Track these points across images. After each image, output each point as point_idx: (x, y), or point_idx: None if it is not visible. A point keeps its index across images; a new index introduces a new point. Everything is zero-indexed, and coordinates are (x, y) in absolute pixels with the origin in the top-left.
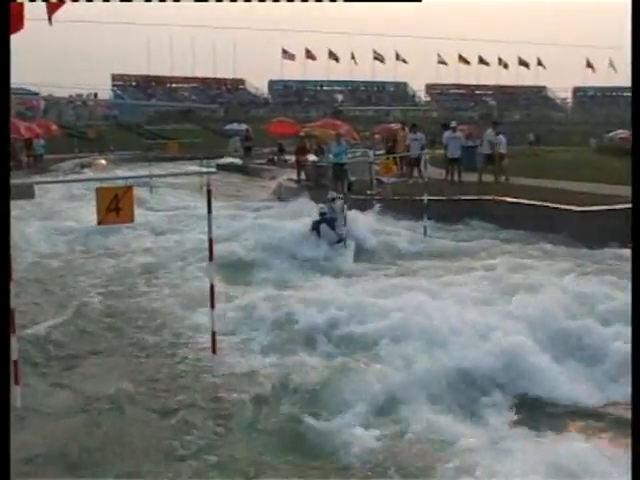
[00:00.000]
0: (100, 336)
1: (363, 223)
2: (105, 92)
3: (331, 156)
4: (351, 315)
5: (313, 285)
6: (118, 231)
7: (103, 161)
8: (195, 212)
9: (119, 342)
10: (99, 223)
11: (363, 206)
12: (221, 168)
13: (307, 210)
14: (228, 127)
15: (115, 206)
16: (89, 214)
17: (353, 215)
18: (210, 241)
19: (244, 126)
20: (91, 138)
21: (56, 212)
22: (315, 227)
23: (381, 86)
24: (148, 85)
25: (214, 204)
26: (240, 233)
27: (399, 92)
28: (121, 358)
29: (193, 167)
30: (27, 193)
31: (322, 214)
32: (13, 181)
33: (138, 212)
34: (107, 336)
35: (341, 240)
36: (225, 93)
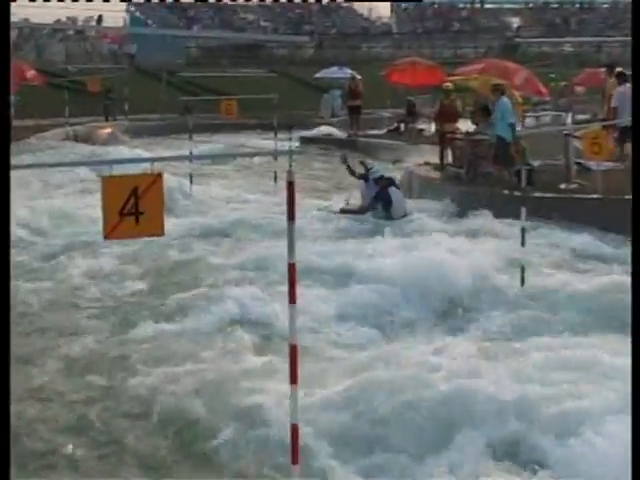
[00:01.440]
0: None
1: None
2: (115, 16)
3: (503, 123)
4: None
5: None
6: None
7: (109, 129)
8: (265, 221)
9: None
10: (106, 237)
11: (551, 213)
12: (309, 143)
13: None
14: (322, 74)
15: (134, 208)
16: (85, 221)
17: None
18: (291, 269)
19: (348, 72)
20: (92, 92)
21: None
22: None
23: (586, 2)
24: (187, 4)
25: (299, 207)
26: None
27: (616, 12)
28: None
29: (262, 142)
30: None
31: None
32: None
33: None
34: None
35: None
36: (317, 17)
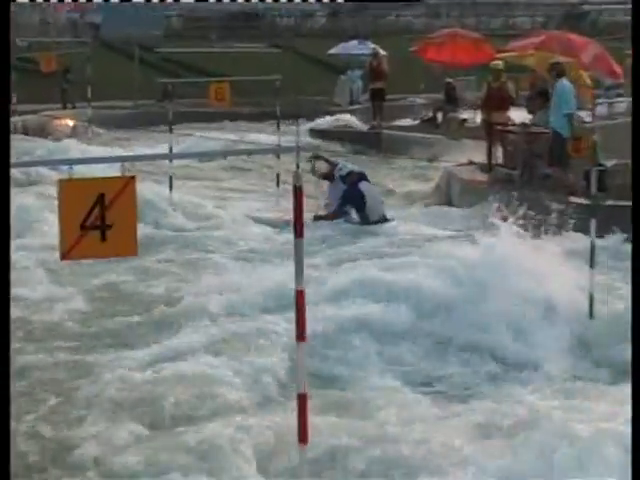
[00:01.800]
0: None
1: None
2: None
3: (558, 113)
4: None
5: None
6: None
7: (67, 120)
8: (264, 244)
9: None
10: (63, 256)
11: (628, 226)
12: (321, 137)
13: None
14: (337, 49)
15: (99, 220)
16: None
17: None
18: (299, 297)
19: (369, 47)
20: (45, 72)
21: None
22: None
23: None
24: None
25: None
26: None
27: None
28: None
29: (261, 136)
30: None
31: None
32: None
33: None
34: None
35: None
36: None
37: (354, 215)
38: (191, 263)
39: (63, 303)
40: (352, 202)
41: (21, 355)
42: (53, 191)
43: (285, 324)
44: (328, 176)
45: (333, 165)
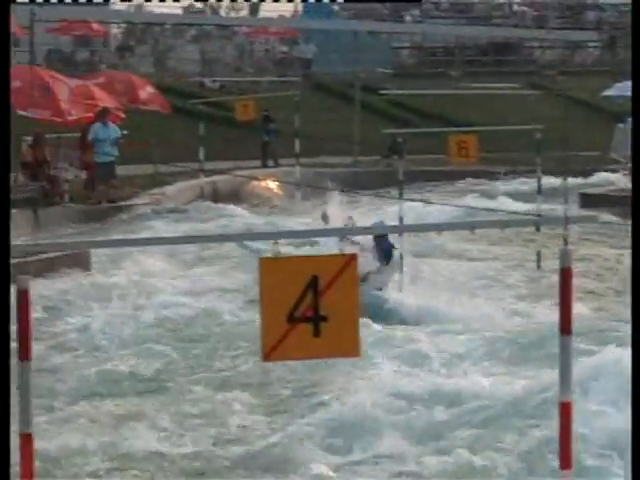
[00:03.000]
0: None
1: None
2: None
3: None
4: None
5: None
6: None
7: (271, 183)
8: None
9: None
10: (266, 356)
11: None
12: (594, 204)
13: None
14: (614, 91)
15: (311, 310)
16: None
17: None
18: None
19: None
20: (242, 121)
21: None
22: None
23: None
24: None
25: None
26: None
27: None
28: None
29: (516, 204)
30: (76, 260)
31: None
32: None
33: None
34: None
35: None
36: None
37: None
38: None
39: None
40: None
41: None
42: None
43: None
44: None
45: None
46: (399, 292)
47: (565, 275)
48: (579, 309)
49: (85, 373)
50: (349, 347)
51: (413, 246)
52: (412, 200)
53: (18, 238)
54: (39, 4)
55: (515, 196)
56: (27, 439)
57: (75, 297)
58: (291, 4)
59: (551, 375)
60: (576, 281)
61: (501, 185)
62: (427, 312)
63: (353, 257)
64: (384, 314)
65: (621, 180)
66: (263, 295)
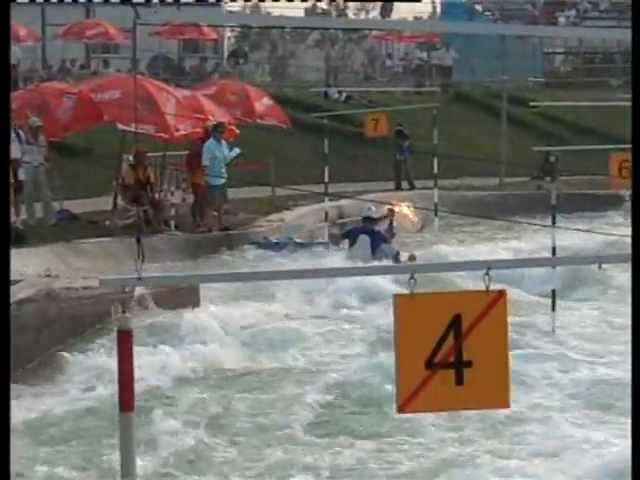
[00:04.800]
0: None
1: None
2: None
3: None
4: None
5: None
6: None
7: (405, 208)
8: None
9: None
10: (401, 408)
11: None
12: None
13: None
14: None
15: (453, 353)
16: None
17: None
18: None
19: None
20: (372, 137)
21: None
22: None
23: None
24: None
25: None
26: None
27: None
28: None
29: None
30: (185, 298)
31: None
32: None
33: None
34: None
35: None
36: None
37: None
38: None
39: None
40: None
41: None
42: None
43: None
44: None
45: None
46: None
47: None
48: None
49: None
50: (498, 397)
51: None
52: (566, 228)
53: (119, 270)
54: (141, 4)
55: None
56: None
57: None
58: (429, 4)
59: None
60: None
61: None
62: None
63: (501, 293)
64: None
65: None
66: (398, 337)
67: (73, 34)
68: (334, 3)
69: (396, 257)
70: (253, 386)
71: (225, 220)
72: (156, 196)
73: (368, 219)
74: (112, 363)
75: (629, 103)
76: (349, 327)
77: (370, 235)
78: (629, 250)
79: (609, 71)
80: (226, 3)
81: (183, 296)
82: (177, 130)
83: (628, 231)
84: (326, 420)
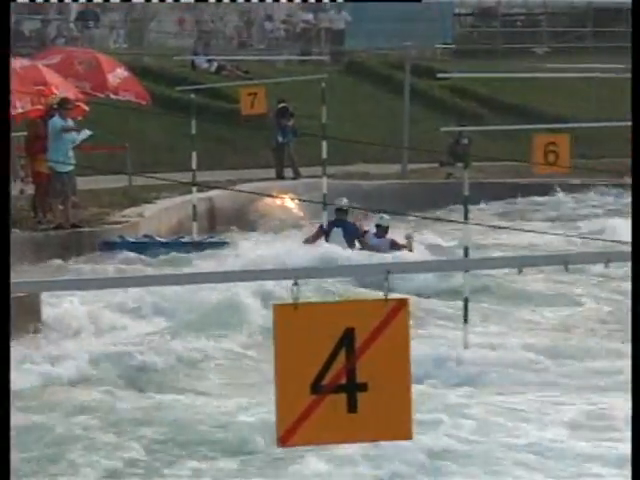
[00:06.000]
0: None
1: None
2: None
3: None
4: None
5: None
6: None
7: (289, 201)
8: None
9: None
10: (282, 441)
11: None
12: None
13: None
14: None
15: (344, 376)
16: None
17: None
18: None
19: None
20: (249, 115)
21: None
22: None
23: None
24: None
25: None
26: None
27: None
28: None
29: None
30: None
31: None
32: None
33: None
34: None
35: None
36: None
37: None
38: None
39: None
40: None
41: None
42: None
43: None
44: None
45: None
46: None
47: None
48: None
49: None
50: (398, 426)
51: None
52: (479, 225)
53: None
54: None
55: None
56: None
57: None
58: None
59: None
60: None
61: (599, 199)
62: None
63: (402, 302)
64: None
65: None
66: (278, 355)
67: None
68: None
69: (393, 247)
70: None
71: (73, 215)
72: None
73: (340, 211)
74: None
75: (558, 74)
76: None
77: (343, 227)
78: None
79: (533, 37)
80: None
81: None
82: (14, 107)
83: (551, 229)
84: None
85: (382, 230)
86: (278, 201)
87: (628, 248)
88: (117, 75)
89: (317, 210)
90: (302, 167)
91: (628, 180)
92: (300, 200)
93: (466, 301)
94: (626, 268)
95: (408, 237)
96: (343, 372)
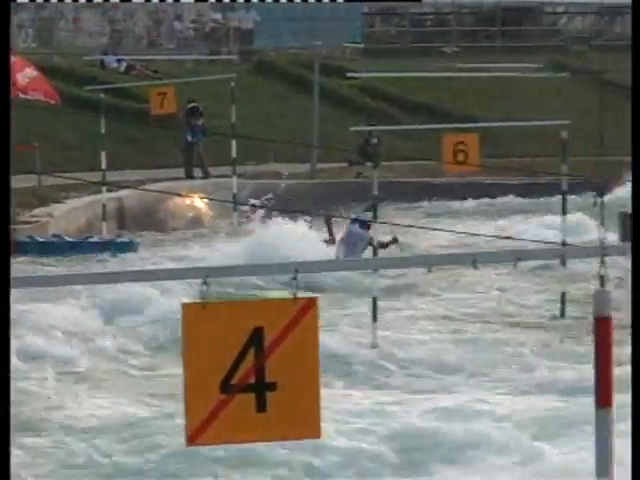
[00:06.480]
0: None
1: None
2: None
3: None
4: None
5: None
6: None
7: (198, 200)
8: None
9: None
10: (190, 440)
11: None
12: None
13: None
14: None
15: (252, 375)
16: None
17: None
18: None
19: None
20: (158, 115)
21: None
22: None
23: None
24: None
25: None
26: None
27: None
28: None
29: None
30: None
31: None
32: None
33: None
34: None
35: None
36: None
37: None
38: None
39: None
40: None
41: None
42: None
43: None
44: None
45: None
46: None
47: (602, 326)
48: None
49: None
50: (307, 425)
51: None
52: (392, 224)
53: None
54: None
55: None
56: None
57: None
58: None
59: None
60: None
61: (510, 199)
62: None
63: (312, 301)
64: None
65: None
66: (187, 354)
67: None
68: None
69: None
70: None
71: None
72: None
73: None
74: None
75: (467, 74)
76: None
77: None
78: (469, 249)
79: (442, 36)
80: None
81: None
82: None
83: (463, 225)
84: None
85: (365, 225)
86: (187, 200)
87: (536, 246)
88: (26, 74)
89: (227, 209)
90: (212, 167)
91: (539, 179)
92: (209, 199)
93: (374, 300)
94: (532, 263)
95: (394, 241)
96: (252, 371)
